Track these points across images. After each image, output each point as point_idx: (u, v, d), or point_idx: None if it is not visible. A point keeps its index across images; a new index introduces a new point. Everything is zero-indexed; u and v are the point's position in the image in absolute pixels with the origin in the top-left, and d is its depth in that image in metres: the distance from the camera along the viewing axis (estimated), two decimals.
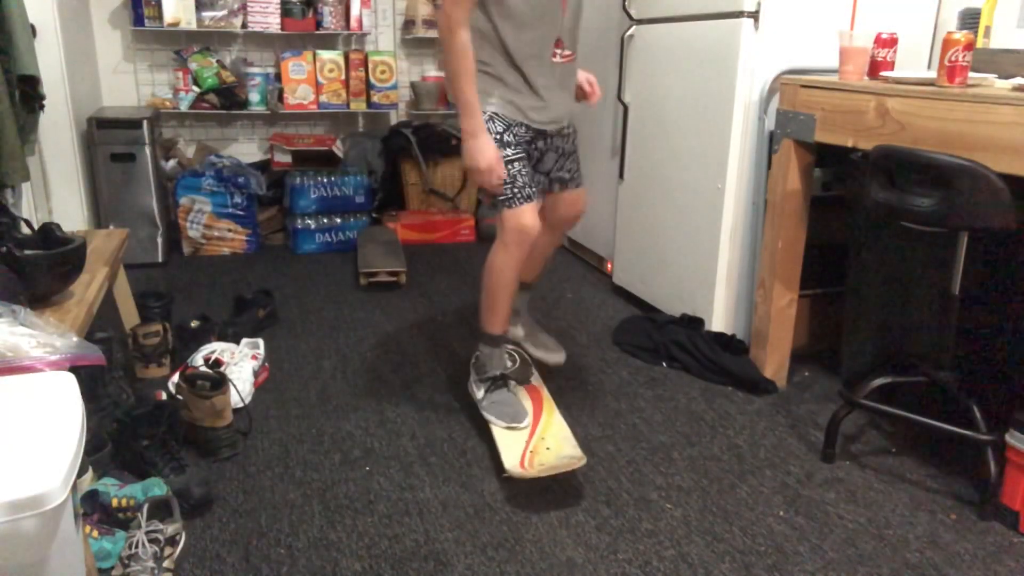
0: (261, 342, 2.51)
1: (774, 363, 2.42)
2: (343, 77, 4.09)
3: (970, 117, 1.72)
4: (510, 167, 1.95)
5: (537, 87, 1.97)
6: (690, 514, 1.79)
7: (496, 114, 1.96)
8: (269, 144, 4.11)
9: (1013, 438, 1.73)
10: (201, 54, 3.93)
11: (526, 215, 1.97)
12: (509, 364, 2.29)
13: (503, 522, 1.75)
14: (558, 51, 1.98)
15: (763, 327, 2.41)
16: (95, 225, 3.52)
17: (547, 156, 2.11)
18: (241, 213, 3.78)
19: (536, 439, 1.99)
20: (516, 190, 1.96)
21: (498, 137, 1.95)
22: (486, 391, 2.14)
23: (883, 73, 2.10)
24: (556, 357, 2.37)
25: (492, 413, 2.09)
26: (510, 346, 2.36)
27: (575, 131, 2.18)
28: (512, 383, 2.20)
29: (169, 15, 3.72)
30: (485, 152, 1.90)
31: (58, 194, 3.30)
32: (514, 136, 1.97)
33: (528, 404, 2.15)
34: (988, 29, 2.17)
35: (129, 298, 2.54)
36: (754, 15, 2.36)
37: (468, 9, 1.84)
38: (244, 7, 3.85)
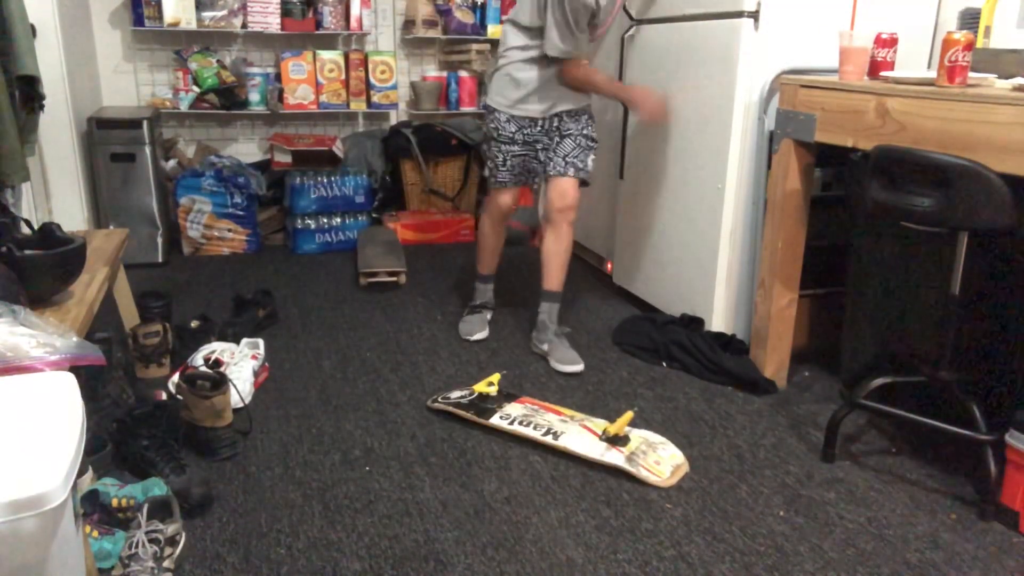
0: (261, 342, 2.51)
1: (774, 363, 2.42)
2: (343, 77, 4.09)
3: (970, 117, 1.72)
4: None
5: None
6: (690, 514, 1.79)
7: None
8: (269, 144, 4.11)
9: (1013, 438, 1.73)
10: (201, 54, 3.93)
11: (503, 195, 2.68)
12: (490, 298, 2.89)
13: (503, 522, 1.75)
14: None
15: (763, 327, 2.41)
16: (95, 225, 3.52)
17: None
18: (241, 213, 3.78)
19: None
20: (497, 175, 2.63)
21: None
22: (465, 312, 2.88)
23: (883, 73, 2.10)
24: (572, 367, 2.53)
25: (461, 326, 2.81)
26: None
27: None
28: (487, 311, 2.86)
29: (169, 15, 3.72)
30: (646, 92, 2.58)
31: (58, 194, 3.30)
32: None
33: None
34: (988, 29, 2.18)
35: (129, 298, 2.55)
36: (754, 15, 2.36)
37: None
38: (244, 7, 3.85)
